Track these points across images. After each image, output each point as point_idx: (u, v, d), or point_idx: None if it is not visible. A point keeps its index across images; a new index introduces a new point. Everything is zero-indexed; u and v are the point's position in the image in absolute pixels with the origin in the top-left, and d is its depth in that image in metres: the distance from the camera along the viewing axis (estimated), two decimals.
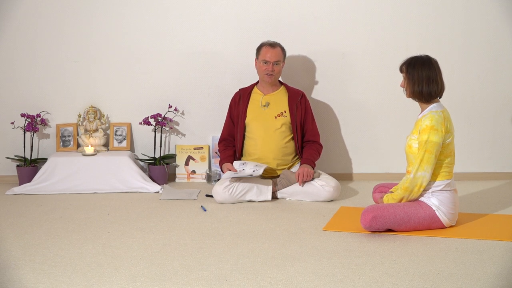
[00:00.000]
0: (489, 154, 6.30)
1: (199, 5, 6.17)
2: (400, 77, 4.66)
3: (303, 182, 5.45)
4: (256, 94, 5.78)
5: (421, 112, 4.57)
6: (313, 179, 5.47)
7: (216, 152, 6.06)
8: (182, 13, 6.18)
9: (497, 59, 6.16)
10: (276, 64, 5.64)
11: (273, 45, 5.66)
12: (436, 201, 4.51)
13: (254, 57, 5.75)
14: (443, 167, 4.51)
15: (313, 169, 5.53)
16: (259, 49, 5.71)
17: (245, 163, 5.54)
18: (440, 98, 4.56)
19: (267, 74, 5.65)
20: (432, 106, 4.52)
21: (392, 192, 4.67)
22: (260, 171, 5.37)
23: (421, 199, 4.55)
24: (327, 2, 6.12)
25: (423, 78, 4.46)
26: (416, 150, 4.49)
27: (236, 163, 5.57)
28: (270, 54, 5.62)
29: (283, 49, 5.71)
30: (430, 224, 4.50)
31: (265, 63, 5.64)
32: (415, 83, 4.48)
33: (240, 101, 5.77)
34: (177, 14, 6.18)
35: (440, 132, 4.42)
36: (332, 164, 6.21)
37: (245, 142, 5.76)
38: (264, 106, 5.72)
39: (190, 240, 4.39)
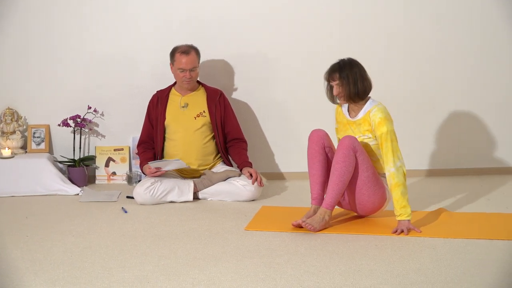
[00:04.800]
0: (407, 152, 6.39)
1: (120, 5, 6.11)
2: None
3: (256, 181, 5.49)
4: (174, 96, 5.75)
5: (356, 113, 4.65)
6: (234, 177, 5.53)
7: (136, 153, 6.00)
8: (103, 13, 6.11)
9: (417, 57, 6.26)
10: (193, 70, 5.62)
11: (187, 51, 5.59)
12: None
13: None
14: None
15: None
16: (172, 55, 5.65)
17: (161, 161, 5.49)
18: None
19: (185, 81, 5.63)
20: (369, 101, 4.64)
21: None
22: (182, 162, 5.42)
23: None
24: (251, 4, 6.14)
25: (356, 77, 4.55)
26: (375, 147, 4.59)
27: (153, 164, 5.49)
28: (185, 61, 5.57)
29: (197, 52, 5.67)
30: (376, 198, 4.67)
31: (182, 71, 5.61)
32: (349, 84, 4.55)
33: (159, 103, 5.73)
34: (98, 14, 6.11)
35: (392, 120, 4.57)
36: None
37: (166, 144, 5.72)
38: (183, 107, 5.70)
39: (111, 242, 4.35)
